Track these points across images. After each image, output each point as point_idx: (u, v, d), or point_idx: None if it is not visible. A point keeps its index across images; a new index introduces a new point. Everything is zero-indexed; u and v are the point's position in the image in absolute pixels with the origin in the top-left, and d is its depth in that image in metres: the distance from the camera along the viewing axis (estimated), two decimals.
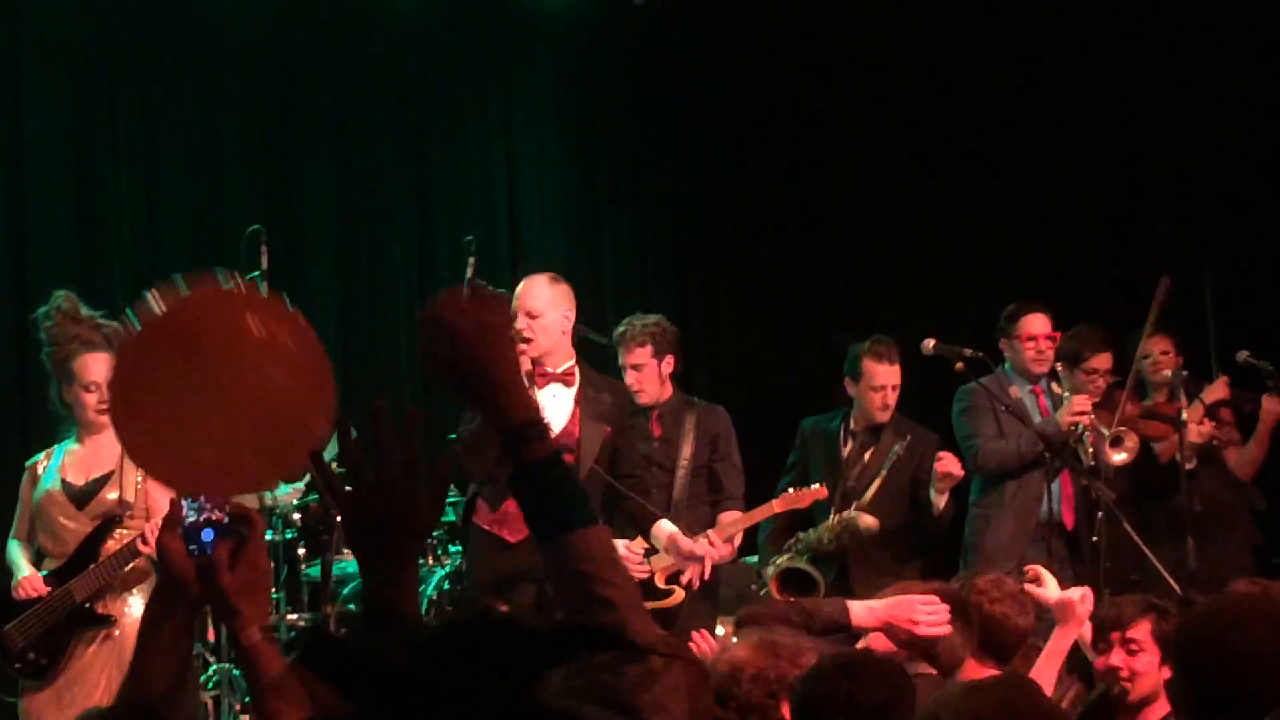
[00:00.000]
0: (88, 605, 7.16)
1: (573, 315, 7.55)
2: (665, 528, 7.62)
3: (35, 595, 7.15)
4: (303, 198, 11.30)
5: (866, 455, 8.49)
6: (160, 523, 7.18)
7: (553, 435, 7.42)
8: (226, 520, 2.85)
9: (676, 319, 10.23)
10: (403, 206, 11.61)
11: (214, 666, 8.58)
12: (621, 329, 8.44)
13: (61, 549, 7.26)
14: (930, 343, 8.41)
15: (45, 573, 7.23)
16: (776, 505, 8.19)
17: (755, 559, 8.77)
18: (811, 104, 11.82)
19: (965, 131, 11.53)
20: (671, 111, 12.14)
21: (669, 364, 8.39)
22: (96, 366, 7.18)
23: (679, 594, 7.88)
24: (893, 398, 8.50)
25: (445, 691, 1.53)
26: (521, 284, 7.56)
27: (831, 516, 8.32)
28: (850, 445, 8.54)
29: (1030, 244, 11.41)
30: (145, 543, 7.02)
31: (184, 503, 2.87)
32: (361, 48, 11.40)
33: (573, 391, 7.51)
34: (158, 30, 10.93)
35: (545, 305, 7.44)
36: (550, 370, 7.47)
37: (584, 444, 7.45)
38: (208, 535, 2.85)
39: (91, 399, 7.22)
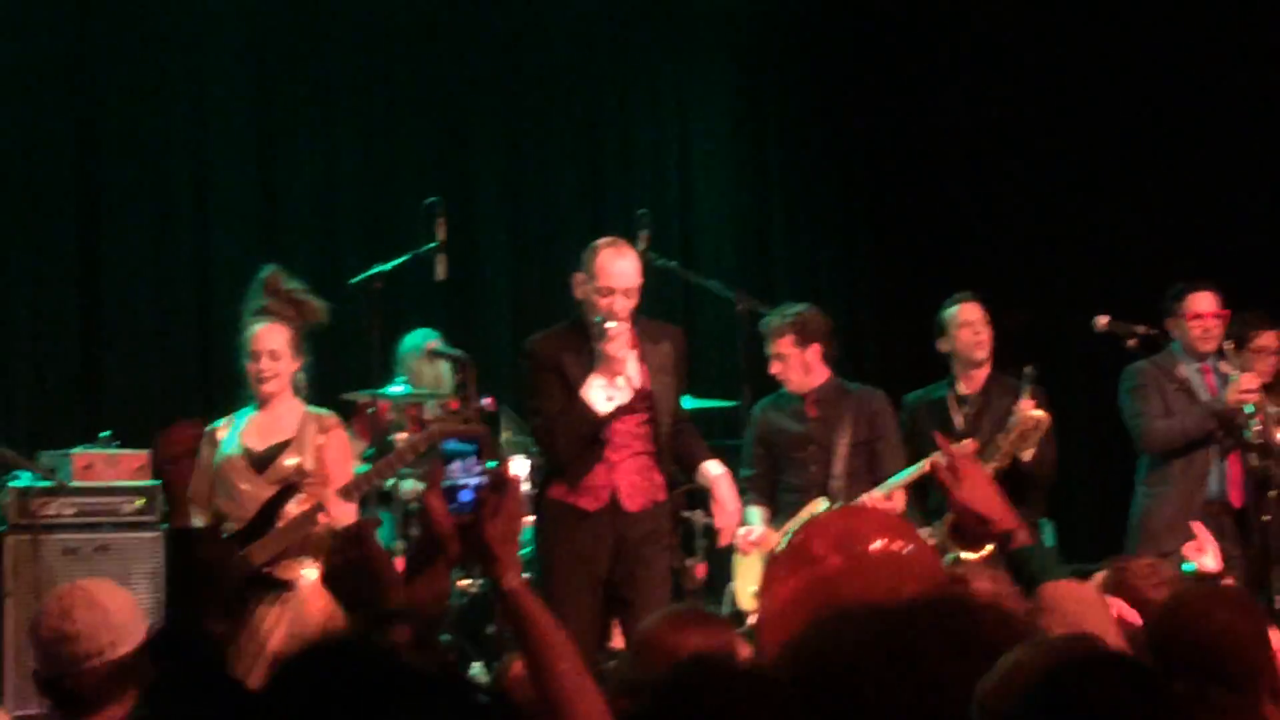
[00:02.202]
0: (265, 570, 7.29)
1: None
2: (714, 469, 7.56)
3: None
4: (477, 170, 11.44)
5: (980, 417, 8.48)
6: (338, 491, 7.25)
7: (633, 398, 7.43)
8: (485, 481, 3.08)
9: (845, 299, 10.23)
10: (575, 179, 11.72)
11: None
12: (766, 320, 8.37)
13: (240, 512, 7.33)
14: (1103, 320, 8.40)
15: (225, 535, 7.35)
16: (926, 465, 8.09)
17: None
18: (985, 85, 11.77)
19: (1137, 109, 11.43)
20: (845, 91, 12.13)
21: (814, 352, 8.27)
22: (265, 336, 7.31)
23: None
24: (985, 334, 8.51)
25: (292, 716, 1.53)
26: (605, 259, 7.35)
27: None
28: (963, 410, 8.53)
29: (1199, 221, 11.31)
30: (325, 512, 7.18)
31: (446, 467, 3.09)
32: (536, 23, 11.51)
33: (635, 351, 7.44)
34: (335, 2, 11.13)
35: (637, 279, 7.38)
36: None
37: (658, 401, 7.43)
38: (466, 495, 3.08)
39: (253, 368, 7.33)
